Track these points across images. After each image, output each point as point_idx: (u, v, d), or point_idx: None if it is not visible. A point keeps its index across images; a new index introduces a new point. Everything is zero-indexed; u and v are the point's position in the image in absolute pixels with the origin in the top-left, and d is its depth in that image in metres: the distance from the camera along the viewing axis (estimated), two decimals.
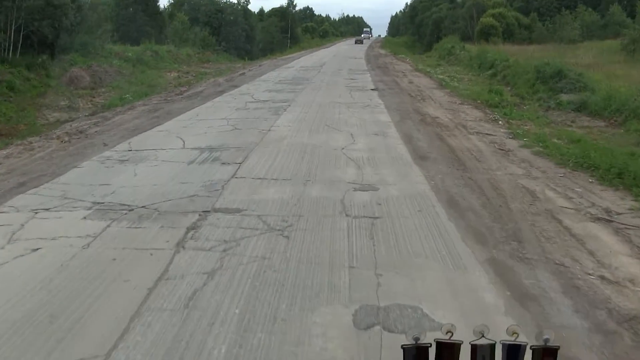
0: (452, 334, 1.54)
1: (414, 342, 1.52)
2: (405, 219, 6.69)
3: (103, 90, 24.56)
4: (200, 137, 11.84)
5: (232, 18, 66.74)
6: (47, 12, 26.06)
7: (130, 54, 32.98)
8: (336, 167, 9.18)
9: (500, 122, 15.02)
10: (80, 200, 7.40)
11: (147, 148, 10.79)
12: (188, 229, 6.27)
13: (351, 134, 12.11)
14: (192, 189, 7.85)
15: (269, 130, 12.61)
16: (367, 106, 16.80)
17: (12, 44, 24.23)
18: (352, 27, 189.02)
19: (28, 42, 25.48)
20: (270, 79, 26.91)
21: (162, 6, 64.83)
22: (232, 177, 8.52)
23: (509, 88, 24.18)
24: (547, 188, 8.35)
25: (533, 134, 12.98)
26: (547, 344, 1.53)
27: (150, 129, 13.18)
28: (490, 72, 29.17)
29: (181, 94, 21.09)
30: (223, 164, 9.35)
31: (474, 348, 1.53)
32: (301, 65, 37.53)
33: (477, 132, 13.02)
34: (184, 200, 7.39)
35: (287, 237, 6.07)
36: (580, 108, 18.60)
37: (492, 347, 1.52)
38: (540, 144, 11.72)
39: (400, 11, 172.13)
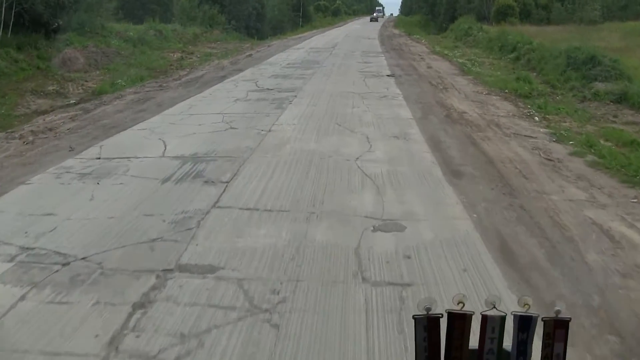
0: (464, 305, 1.47)
1: (425, 313, 1.46)
2: (448, 286, 4.60)
3: (97, 73, 22.47)
4: (186, 139, 9.75)
5: None
6: None
7: (132, 34, 30.81)
8: (349, 189, 7.09)
9: (536, 117, 12.88)
10: (5, 244, 5.35)
11: (119, 155, 8.72)
12: (134, 308, 4.21)
13: (367, 137, 9.98)
14: (157, 226, 5.79)
15: (270, 130, 10.49)
16: (383, 97, 14.65)
17: (2, 23, 22.13)
18: (365, 5, 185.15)
19: (21, 21, 23.37)
20: (278, 61, 24.73)
21: None
22: (214, 206, 6.44)
23: (535, 74, 22.02)
24: (623, 224, 6.25)
25: (578, 135, 10.88)
26: (559, 316, 1.47)
27: (131, 126, 11.11)
28: (512, 55, 26.91)
29: (179, 79, 18.99)
30: (206, 182, 7.28)
31: (485, 318, 1.48)
32: (312, 46, 35.26)
33: (514, 134, 10.87)
34: (143, 247, 5.34)
35: (276, 325, 3.98)
36: (620, 99, 16.45)
37: (503, 318, 1.46)
38: (592, 150, 9.66)
39: None
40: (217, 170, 7.84)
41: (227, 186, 7.13)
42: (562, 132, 11.23)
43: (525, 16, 55.60)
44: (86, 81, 20.84)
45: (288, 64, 23.62)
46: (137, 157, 8.62)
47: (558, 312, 1.49)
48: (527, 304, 1.51)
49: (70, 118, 12.33)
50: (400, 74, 19.72)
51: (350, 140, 9.73)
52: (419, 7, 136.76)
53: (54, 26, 25.15)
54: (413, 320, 1.47)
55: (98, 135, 10.27)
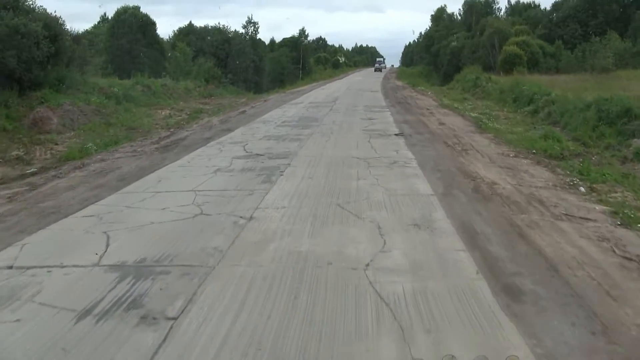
0: None
1: None
2: None
3: (71, 134, 20.28)
4: (138, 234, 7.37)
5: (239, 48, 62.65)
6: (13, 42, 21.88)
7: (116, 89, 28.72)
8: (357, 332, 4.62)
9: (581, 188, 10.53)
10: None
11: (40, 262, 6.35)
12: None
13: (378, 227, 7.59)
14: None
15: (251, 217, 8.10)
16: (394, 163, 12.32)
17: None
18: (366, 56, 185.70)
19: None
20: (272, 119, 22.59)
21: (166, 36, 60.99)
22: None
23: (558, 129, 19.84)
24: None
25: None
26: None
27: (77, 210, 8.72)
28: (529, 108, 24.81)
29: (158, 142, 16.75)
30: (143, 319, 4.85)
31: None
32: (311, 100, 33.20)
33: (565, 215, 8.47)
34: None
35: None
36: None
37: None
38: None
39: (414, 40, 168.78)
40: (165, 293, 5.41)
41: (172, 327, 4.67)
42: (622, 209, 8.81)
43: (533, 65, 53.92)
44: (56, 144, 18.69)
45: (283, 121, 21.43)
46: (63, 266, 6.23)
47: None
48: None
49: (8, 198, 9.96)
50: (410, 133, 17.46)
51: (357, 233, 7.31)
52: (420, 58, 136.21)
53: (28, 83, 23.04)
54: None
55: (28, 227, 7.87)
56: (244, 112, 26.62)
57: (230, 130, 19.19)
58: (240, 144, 15.65)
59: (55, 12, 31.90)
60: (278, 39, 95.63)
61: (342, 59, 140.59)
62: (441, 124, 20.25)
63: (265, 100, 34.62)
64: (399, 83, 57.74)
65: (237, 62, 61.85)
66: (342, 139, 16.37)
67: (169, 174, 11.57)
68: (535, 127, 20.59)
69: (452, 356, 1.43)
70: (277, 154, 13.64)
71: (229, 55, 63.29)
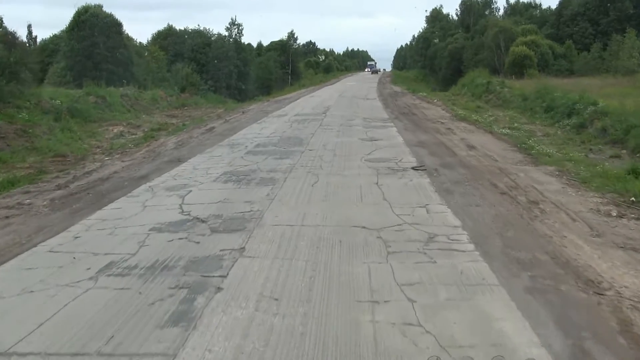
0: None
1: None
2: None
3: None
4: None
5: (222, 52, 57.06)
6: None
7: (59, 101, 23.14)
8: None
9: None
10: None
11: None
12: None
13: None
14: None
15: None
16: (430, 241, 6.91)
17: None
18: (357, 60, 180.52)
19: None
20: (244, 140, 17.24)
21: (143, 40, 55.30)
22: None
23: (625, 151, 14.58)
24: None
25: None
26: None
27: None
28: (571, 121, 19.45)
29: (65, 187, 11.23)
30: None
31: None
32: (297, 112, 27.70)
33: None
34: None
35: None
36: None
37: None
38: None
39: (407, 44, 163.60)
40: None
41: None
42: None
43: (542, 67, 48.61)
44: None
45: (257, 145, 15.99)
46: None
47: None
48: None
49: None
50: (434, 165, 12.05)
51: None
52: (414, 62, 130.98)
53: None
54: None
55: None
56: (212, 129, 21.10)
57: (180, 160, 13.72)
58: (183, 189, 10.19)
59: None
60: (266, 43, 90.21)
61: (322, 57, 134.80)
62: (470, 146, 14.79)
63: (243, 112, 29.07)
64: (397, 88, 52.16)
65: (219, 68, 56.21)
66: (337, 178, 10.89)
67: (10, 278, 5.98)
68: (592, 150, 15.34)
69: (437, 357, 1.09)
70: (229, 218, 8.18)
71: (210, 60, 57.71)
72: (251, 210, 8.50)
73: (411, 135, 17.30)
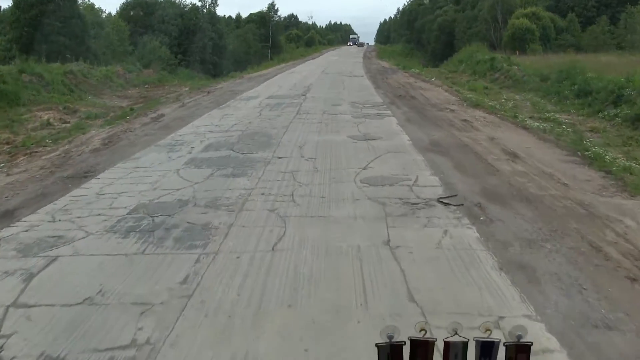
0: (426, 332, 1.49)
1: (387, 341, 1.47)
2: None
3: None
4: None
5: (195, 24, 51.73)
6: None
7: None
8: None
9: None
10: None
11: None
12: None
13: None
14: None
15: None
16: None
17: None
18: (340, 34, 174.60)
19: None
20: (193, 137, 12.65)
21: (113, 10, 49.59)
22: None
23: None
24: None
25: None
26: (520, 341, 1.48)
27: None
28: (623, 112, 14.76)
29: None
30: None
31: (447, 345, 1.48)
32: (273, 92, 22.90)
33: None
34: None
35: None
36: None
37: (465, 344, 1.47)
38: None
39: (391, 17, 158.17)
40: None
41: None
42: None
43: (544, 42, 43.85)
44: None
45: (207, 146, 11.34)
46: None
47: (519, 337, 1.48)
48: (489, 330, 1.51)
49: None
50: (474, 194, 7.61)
51: None
52: (398, 36, 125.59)
53: None
54: (376, 349, 1.43)
55: None
56: (160, 117, 16.29)
57: (87, 175, 9.22)
58: (57, 239, 5.36)
59: None
60: (245, 15, 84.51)
61: (309, 17, 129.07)
62: (510, 154, 10.17)
63: (208, 92, 24.15)
64: (384, 64, 47.21)
65: (192, 41, 50.94)
66: (317, 229, 6.29)
67: None
68: None
69: (425, 322, 1.57)
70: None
71: (182, 33, 52.33)
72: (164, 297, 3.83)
73: (418, 131, 12.65)
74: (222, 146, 11.25)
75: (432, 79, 27.84)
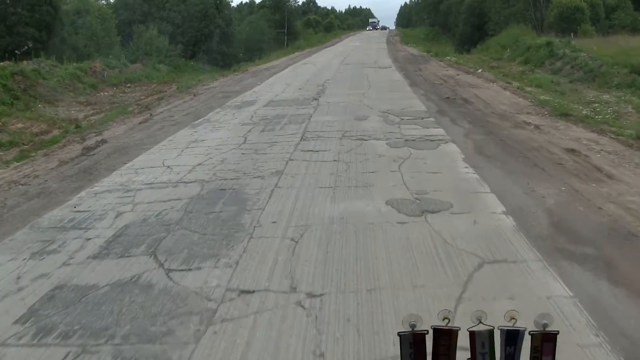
0: (449, 321, 1.48)
1: (410, 329, 1.45)
2: None
3: None
4: None
5: (200, 10, 45.99)
6: None
7: None
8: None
9: None
10: None
11: None
12: None
13: None
14: None
15: None
16: None
17: None
18: (360, 18, 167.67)
19: None
20: (103, 211, 6.97)
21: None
22: None
23: None
24: None
25: None
26: (546, 329, 1.46)
27: None
28: None
29: None
30: None
31: (472, 334, 1.46)
32: (274, 94, 17.38)
33: None
34: None
35: None
36: None
37: (491, 332, 1.45)
38: None
39: (412, 0, 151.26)
40: None
41: None
42: None
43: (593, 23, 37.39)
44: None
45: (111, 239, 5.50)
46: None
47: (545, 325, 1.46)
48: (514, 318, 1.48)
49: None
50: None
51: None
52: (420, 19, 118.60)
53: None
54: (398, 338, 1.41)
55: None
56: (96, 148, 10.70)
57: None
58: None
59: None
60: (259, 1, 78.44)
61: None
62: None
63: (194, 95, 18.58)
64: (412, 50, 41.02)
65: (197, 29, 45.27)
66: None
67: None
68: None
69: (449, 311, 1.34)
70: None
71: (186, 20, 46.60)
72: None
73: (509, 182, 7.09)
74: (139, 241, 5.48)
75: (479, 71, 21.75)
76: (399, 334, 1.43)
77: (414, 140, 9.66)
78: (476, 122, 11.24)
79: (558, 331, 1.44)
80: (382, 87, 17.64)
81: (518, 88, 16.30)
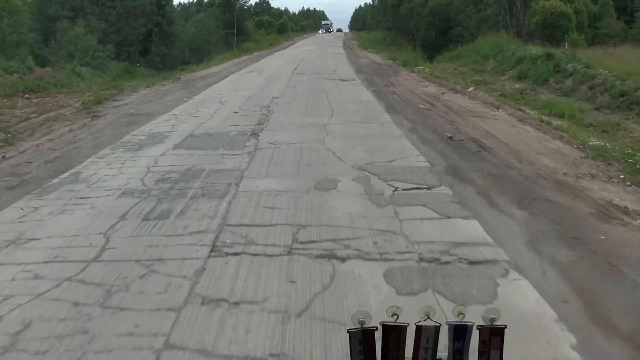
0: (398, 317, 1.45)
1: (359, 326, 1.42)
2: None
3: None
4: None
5: (136, 6, 40.20)
6: None
7: None
8: None
9: None
10: None
11: None
12: None
13: None
14: None
15: None
16: None
17: None
18: (314, 20, 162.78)
19: None
20: None
21: None
22: None
23: None
24: None
25: None
26: (494, 324, 1.45)
27: None
28: None
29: None
30: None
31: (419, 329, 1.44)
32: (200, 122, 12.17)
33: None
34: None
35: None
36: None
37: (438, 328, 1.43)
38: None
39: (367, 3, 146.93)
40: None
41: None
42: None
43: (578, 31, 33.15)
44: None
45: None
46: None
47: (493, 319, 1.44)
48: (462, 313, 1.48)
49: None
50: None
51: None
52: (376, 22, 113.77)
53: None
54: (347, 335, 1.39)
55: None
56: None
57: None
58: None
59: None
60: None
61: None
62: None
63: (93, 117, 13.44)
64: (374, 57, 35.92)
65: (133, 27, 39.54)
66: None
67: None
68: None
69: (397, 307, 1.33)
70: None
71: (122, 17, 40.72)
72: None
73: None
74: None
75: (470, 89, 16.82)
76: (348, 330, 1.39)
77: (437, 260, 4.67)
78: (529, 203, 6.26)
79: (505, 325, 1.40)
80: (349, 114, 12.55)
81: (542, 122, 11.34)
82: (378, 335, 1.38)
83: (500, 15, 37.11)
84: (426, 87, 18.22)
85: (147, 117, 12.90)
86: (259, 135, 10.20)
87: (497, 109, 13.28)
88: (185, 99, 16.10)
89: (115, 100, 16.73)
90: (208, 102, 15.12)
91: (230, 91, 17.59)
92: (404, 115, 12.37)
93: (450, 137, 9.87)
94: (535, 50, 21.12)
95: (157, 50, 43.25)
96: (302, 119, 12.04)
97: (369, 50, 44.72)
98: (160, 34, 43.97)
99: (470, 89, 16.81)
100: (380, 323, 1.40)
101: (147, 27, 42.26)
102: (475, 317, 1.48)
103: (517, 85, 18.16)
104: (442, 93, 16.52)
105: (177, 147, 9.42)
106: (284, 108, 13.61)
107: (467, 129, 10.78)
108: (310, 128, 10.79)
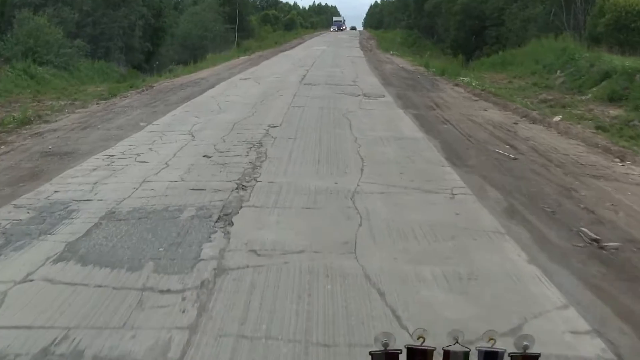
0: (424, 340, 1.44)
1: (383, 349, 1.41)
2: None
3: None
4: None
5: None
6: None
7: None
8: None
9: None
10: None
11: None
12: None
13: None
14: None
15: None
16: None
17: None
18: (325, 17, 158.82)
19: None
20: None
21: None
22: None
23: None
24: None
25: None
26: (527, 351, 1.40)
27: None
28: None
29: None
30: None
31: (447, 354, 1.42)
32: (138, 180, 7.69)
33: None
34: None
35: None
36: None
37: (467, 354, 1.41)
38: None
39: None
40: None
41: None
42: None
43: None
44: None
45: None
46: None
47: (526, 347, 1.40)
48: (493, 339, 1.44)
49: None
50: None
51: None
52: (394, 20, 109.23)
53: None
54: (370, 357, 1.35)
55: None
56: None
57: None
58: None
59: None
60: None
61: None
62: None
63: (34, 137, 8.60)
64: (399, 61, 31.26)
65: (114, 19, 35.34)
66: None
67: None
68: None
69: (424, 329, 1.32)
70: None
71: (100, 7, 36.56)
72: None
73: None
74: None
75: (557, 119, 12.29)
76: (370, 353, 1.37)
77: None
78: None
79: (539, 354, 1.35)
80: (390, 167, 8.20)
81: None
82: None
83: (551, 13, 32.49)
84: (486, 110, 13.78)
85: (64, 162, 8.51)
86: (231, 225, 5.71)
87: (621, 161, 8.74)
88: (142, 124, 11.73)
89: (45, 122, 12.42)
90: (172, 132, 10.72)
91: (210, 112, 13.19)
92: (480, 172, 7.89)
93: (596, 241, 5.35)
94: (629, 62, 16.57)
95: (140, 47, 38.94)
96: (313, 178, 7.58)
97: (392, 53, 40.24)
98: (146, 28, 39.65)
99: (557, 118, 12.25)
100: (405, 346, 1.37)
101: (130, 19, 37.95)
102: None
103: (612, 112, 13.67)
104: (515, 123, 12.08)
105: (60, 259, 4.95)
106: (283, 151, 9.17)
107: (604, 210, 6.29)
108: (326, 205, 6.35)
